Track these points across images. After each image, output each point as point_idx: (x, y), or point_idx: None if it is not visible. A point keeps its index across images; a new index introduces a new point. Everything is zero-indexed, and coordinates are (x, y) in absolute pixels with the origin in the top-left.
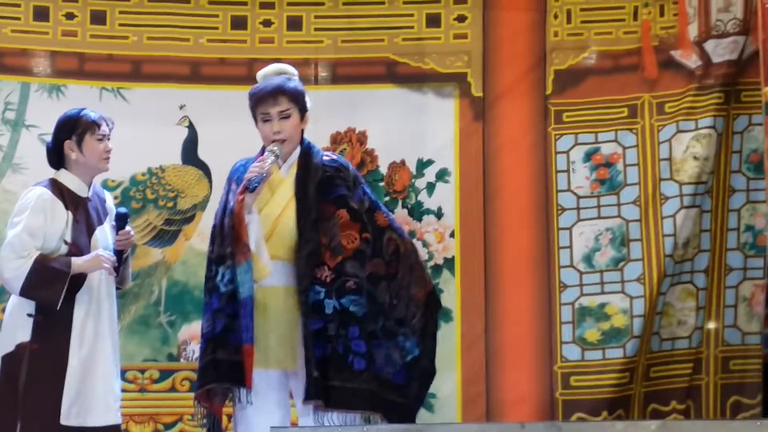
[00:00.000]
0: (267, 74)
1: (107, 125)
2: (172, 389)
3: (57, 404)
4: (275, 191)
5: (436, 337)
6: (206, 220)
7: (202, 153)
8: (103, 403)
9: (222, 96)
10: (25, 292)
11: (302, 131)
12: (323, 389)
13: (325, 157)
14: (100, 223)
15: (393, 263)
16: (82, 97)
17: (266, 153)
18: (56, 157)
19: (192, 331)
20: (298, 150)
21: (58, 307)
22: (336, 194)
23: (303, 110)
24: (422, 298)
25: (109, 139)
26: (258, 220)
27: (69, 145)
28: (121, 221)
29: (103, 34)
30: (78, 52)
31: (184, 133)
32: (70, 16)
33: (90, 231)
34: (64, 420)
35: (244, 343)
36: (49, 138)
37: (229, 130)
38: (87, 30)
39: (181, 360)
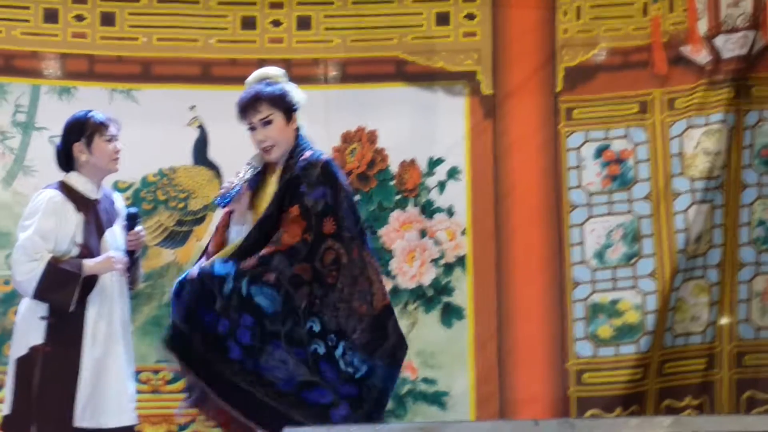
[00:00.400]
0: (249, 83)
1: (115, 126)
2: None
3: (70, 406)
4: (268, 193)
5: (391, 356)
6: (217, 221)
7: (213, 153)
8: (117, 404)
9: (232, 96)
10: (37, 295)
11: (296, 130)
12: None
13: (302, 158)
14: (110, 224)
15: (332, 273)
16: (93, 98)
17: (244, 166)
18: (65, 159)
19: None
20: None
21: (71, 310)
22: (296, 191)
23: (288, 111)
24: (365, 312)
25: (117, 139)
26: (247, 229)
27: (78, 148)
28: (131, 221)
29: (113, 35)
30: (88, 54)
31: (195, 133)
32: (79, 17)
33: (100, 232)
34: (78, 422)
35: None
36: (59, 140)
37: (240, 130)
38: (97, 32)
39: None
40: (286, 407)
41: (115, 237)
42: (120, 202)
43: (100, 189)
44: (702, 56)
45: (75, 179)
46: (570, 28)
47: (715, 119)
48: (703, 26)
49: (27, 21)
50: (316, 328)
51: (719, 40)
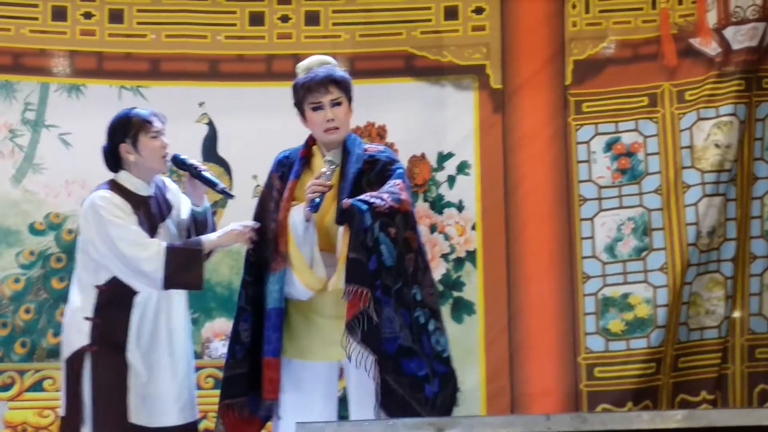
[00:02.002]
0: (311, 65)
1: (159, 121)
2: (196, 387)
3: (123, 405)
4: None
5: None
6: (227, 218)
7: (222, 150)
8: (168, 403)
9: (241, 92)
10: (167, 283)
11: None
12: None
13: (371, 147)
14: (163, 219)
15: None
16: (102, 96)
17: (325, 165)
18: (113, 159)
19: (215, 328)
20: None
21: (202, 289)
22: (395, 173)
23: (350, 100)
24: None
25: (164, 134)
26: (314, 227)
27: (125, 148)
28: (182, 163)
29: (121, 32)
30: (96, 52)
31: (204, 130)
32: (88, 15)
33: (153, 230)
34: (134, 419)
35: (267, 356)
36: (69, 138)
37: (249, 126)
38: (105, 29)
39: (205, 357)
40: (385, 371)
41: (168, 231)
42: (173, 189)
43: (151, 184)
44: (711, 48)
45: (125, 179)
46: (579, 21)
47: (726, 111)
48: (712, 18)
49: (35, 19)
50: (419, 296)
51: (729, 32)
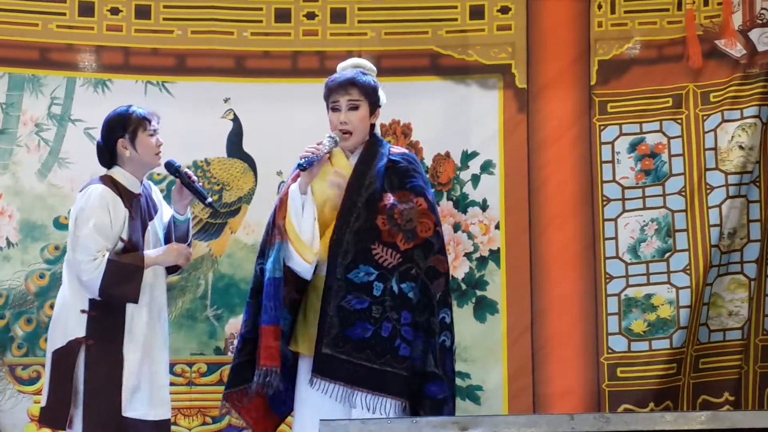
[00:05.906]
0: (344, 67)
1: (156, 120)
2: (220, 382)
3: (117, 398)
4: (326, 177)
5: None
6: (252, 213)
7: (247, 146)
8: (158, 397)
9: (266, 89)
10: (102, 293)
11: (372, 126)
12: (356, 369)
13: (394, 149)
14: (151, 217)
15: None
16: (127, 91)
17: (326, 138)
18: (108, 155)
19: (239, 324)
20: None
21: (138, 303)
22: (413, 183)
23: (374, 105)
24: None
25: (158, 132)
26: (312, 201)
27: (122, 143)
28: (175, 171)
29: (148, 28)
30: (123, 47)
31: (229, 126)
32: (114, 11)
33: (144, 227)
34: (125, 412)
35: (263, 324)
36: (95, 132)
37: (274, 122)
38: (132, 24)
39: (228, 353)
40: (411, 400)
41: (156, 230)
42: (158, 192)
43: (141, 183)
44: (736, 50)
45: (119, 174)
46: (604, 22)
47: (750, 113)
48: (737, 20)
49: (63, 14)
50: (448, 319)
51: (754, 34)
